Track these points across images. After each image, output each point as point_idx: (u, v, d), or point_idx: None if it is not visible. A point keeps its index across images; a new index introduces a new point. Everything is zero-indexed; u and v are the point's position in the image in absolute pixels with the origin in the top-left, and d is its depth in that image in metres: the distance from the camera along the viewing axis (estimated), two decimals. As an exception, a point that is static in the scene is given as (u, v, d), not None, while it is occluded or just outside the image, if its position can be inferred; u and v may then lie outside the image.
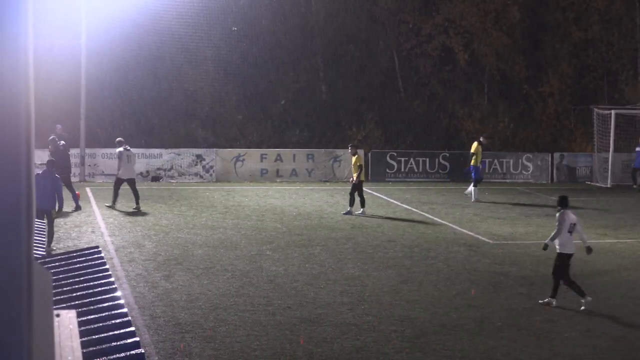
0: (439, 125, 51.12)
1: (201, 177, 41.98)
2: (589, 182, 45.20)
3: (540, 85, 52.67)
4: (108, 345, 13.45)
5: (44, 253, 21.10)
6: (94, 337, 13.66)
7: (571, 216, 19.57)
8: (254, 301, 19.01)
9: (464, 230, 29.26)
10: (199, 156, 42.17)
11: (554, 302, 19.19)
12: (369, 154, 44.30)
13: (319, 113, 50.20)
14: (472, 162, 36.79)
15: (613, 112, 43.91)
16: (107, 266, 18.79)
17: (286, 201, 35.45)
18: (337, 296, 18.53)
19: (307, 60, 51.05)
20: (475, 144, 37.48)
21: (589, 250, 20.10)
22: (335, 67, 51.53)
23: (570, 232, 19.34)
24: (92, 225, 28.38)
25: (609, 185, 43.52)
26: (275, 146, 45.60)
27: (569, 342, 16.51)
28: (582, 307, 18.83)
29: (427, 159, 44.66)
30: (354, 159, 32.77)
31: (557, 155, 46.39)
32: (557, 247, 19.43)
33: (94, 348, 13.20)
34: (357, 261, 23.37)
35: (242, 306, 18.57)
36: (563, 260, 19.33)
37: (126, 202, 32.64)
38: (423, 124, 50.90)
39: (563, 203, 19.97)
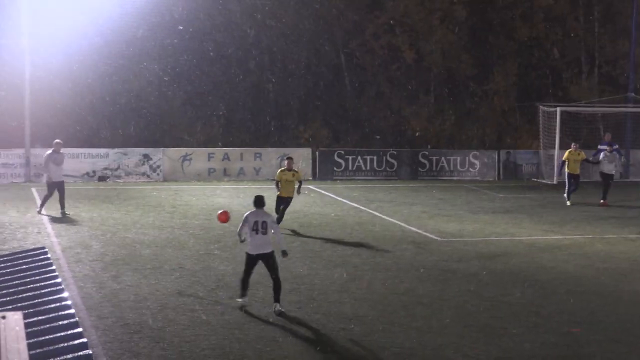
0: (385, 123, 51.28)
1: (148, 176, 41.76)
2: (535, 179, 45.58)
3: (486, 83, 53.05)
4: (55, 346, 13.36)
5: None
6: (41, 338, 13.56)
7: (257, 215, 18.26)
8: (202, 301, 18.94)
9: (412, 228, 29.35)
10: (145, 156, 41.93)
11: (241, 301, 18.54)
12: (317, 152, 44.34)
13: (266, 112, 50.18)
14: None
15: (558, 109, 44.28)
16: (53, 267, 18.71)
17: (234, 200, 35.35)
18: (286, 295, 18.51)
19: (253, 60, 50.96)
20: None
21: (283, 254, 18.44)
22: (282, 66, 51.53)
23: (255, 230, 18.08)
24: (38, 226, 28.11)
25: (554, 182, 43.84)
26: (223, 145, 45.49)
27: (517, 338, 16.61)
28: (240, 301, 18.36)
29: (374, 157, 44.77)
30: None
31: (503, 152, 46.72)
32: None
33: (41, 350, 13.10)
34: (305, 260, 23.36)
35: (190, 306, 18.50)
36: (246, 258, 18.49)
37: (73, 202, 32.41)
38: (370, 123, 51.05)
39: (254, 203, 18.62)
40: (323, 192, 38.42)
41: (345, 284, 20.96)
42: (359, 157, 44.57)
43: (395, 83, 52.84)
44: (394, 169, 44.86)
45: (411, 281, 21.32)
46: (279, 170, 28.53)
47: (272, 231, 18.23)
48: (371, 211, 33.18)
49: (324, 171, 43.90)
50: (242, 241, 18.57)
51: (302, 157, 43.73)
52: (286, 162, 28.61)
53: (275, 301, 18.07)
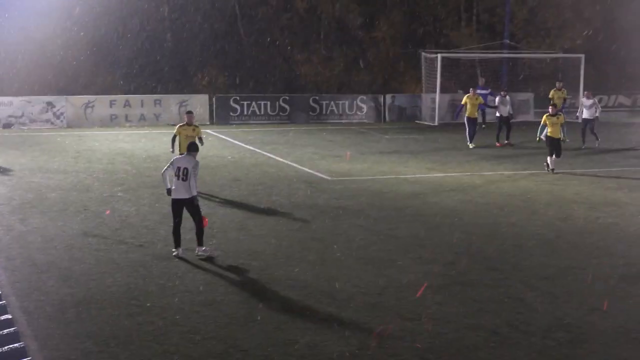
0: (279, 70, 51.18)
1: (52, 123, 41.06)
2: (418, 121, 45.99)
3: (373, 32, 53.21)
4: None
5: None
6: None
7: (182, 161, 17.61)
8: (107, 241, 18.80)
9: (304, 169, 29.43)
10: (49, 103, 41.19)
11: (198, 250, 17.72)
12: (214, 98, 44.07)
13: (165, 60, 49.65)
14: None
15: (439, 55, 44.67)
16: (-38, 211, 18.31)
17: (136, 145, 35.03)
18: (186, 233, 18.37)
19: (152, 10, 50.28)
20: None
21: (193, 199, 17.45)
22: (180, 17, 50.95)
23: (177, 176, 17.37)
24: (-54, 172, 27.50)
25: (436, 124, 44.39)
26: (124, 92, 44.93)
27: (402, 269, 16.84)
28: (174, 253, 17.55)
29: (268, 102, 44.65)
30: None
31: (388, 96, 46.98)
32: None
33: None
34: (204, 199, 23.23)
35: (96, 245, 18.34)
36: (172, 204, 17.71)
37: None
38: (264, 70, 50.89)
39: (186, 148, 18.26)
40: (220, 136, 38.25)
41: (243, 221, 21.00)
42: (254, 103, 44.41)
43: (288, 32, 52.69)
44: (287, 113, 44.81)
45: (305, 218, 21.43)
46: (178, 126, 24.71)
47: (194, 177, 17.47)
48: (266, 153, 33.16)
49: (220, 116, 43.69)
50: (167, 190, 17.67)
51: (200, 103, 43.44)
52: (186, 116, 24.94)
53: (198, 245, 17.66)
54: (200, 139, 23.75)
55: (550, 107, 29.76)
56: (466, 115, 35.97)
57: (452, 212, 22.41)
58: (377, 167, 30.00)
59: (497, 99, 36.93)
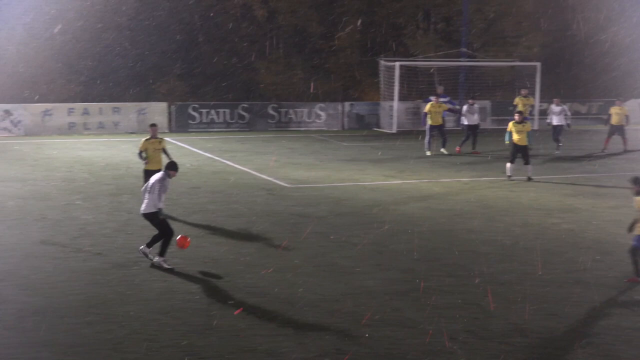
0: (238, 78, 51.12)
1: (9, 131, 40.73)
2: (376, 129, 46.11)
3: (332, 40, 53.29)
4: None
5: None
6: None
7: (155, 177, 17.76)
8: (65, 249, 18.67)
9: (264, 176, 29.40)
10: (6, 111, 40.86)
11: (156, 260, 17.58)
12: (172, 106, 43.93)
13: (124, 68, 49.40)
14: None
15: (397, 63, 44.83)
16: None
17: (94, 153, 34.83)
18: (145, 241, 18.33)
19: (111, 18, 50.03)
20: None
21: (158, 212, 17.55)
22: (139, 25, 50.72)
23: (146, 190, 17.74)
24: None
25: (394, 131, 44.54)
26: (82, 100, 44.66)
27: (363, 276, 16.88)
28: (141, 247, 17.90)
29: (227, 110, 44.61)
30: None
31: (347, 104, 47.08)
32: None
33: None
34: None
35: (54, 254, 18.22)
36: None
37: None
38: (223, 78, 50.79)
39: (166, 166, 17.96)
40: (179, 144, 38.10)
41: (202, 229, 20.94)
42: (213, 111, 44.34)
43: (247, 40, 52.64)
44: (246, 121, 44.79)
45: (264, 226, 21.40)
46: (143, 140, 22.84)
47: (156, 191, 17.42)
48: (225, 161, 33.10)
49: (179, 124, 43.57)
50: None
51: (159, 111, 43.31)
52: (150, 129, 23.16)
53: (159, 253, 17.44)
54: (164, 150, 23.11)
55: (516, 114, 29.67)
56: (429, 123, 35.97)
57: (410, 219, 22.48)
58: (336, 175, 30.04)
59: (464, 108, 37.01)
